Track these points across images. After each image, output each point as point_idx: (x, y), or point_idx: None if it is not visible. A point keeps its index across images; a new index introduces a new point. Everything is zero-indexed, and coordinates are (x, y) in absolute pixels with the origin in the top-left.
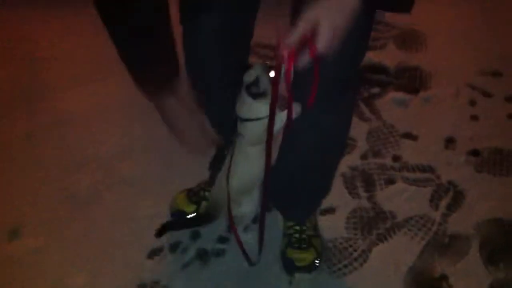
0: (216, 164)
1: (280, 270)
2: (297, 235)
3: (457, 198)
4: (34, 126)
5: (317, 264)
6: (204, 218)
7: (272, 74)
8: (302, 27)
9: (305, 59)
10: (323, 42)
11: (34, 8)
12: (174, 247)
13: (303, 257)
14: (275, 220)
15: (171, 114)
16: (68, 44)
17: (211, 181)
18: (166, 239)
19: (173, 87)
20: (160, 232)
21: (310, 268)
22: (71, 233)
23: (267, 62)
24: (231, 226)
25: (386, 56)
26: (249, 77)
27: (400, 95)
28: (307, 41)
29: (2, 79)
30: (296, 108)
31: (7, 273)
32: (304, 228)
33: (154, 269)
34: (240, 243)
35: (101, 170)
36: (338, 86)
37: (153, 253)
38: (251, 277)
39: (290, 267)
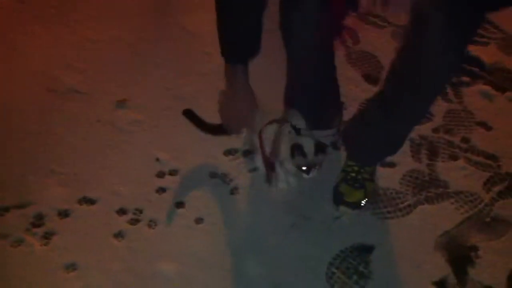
0: None
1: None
2: (353, 174)
3: (510, 189)
4: (162, 36)
5: (363, 204)
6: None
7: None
8: None
9: None
10: None
11: None
12: (247, 153)
13: (352, 194)
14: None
15: (234, 82)
16: None
17: None
18: (241, 144)
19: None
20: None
21: (355, 205)
22: (167, 119)
23: None
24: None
25: (485, 53)
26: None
27: (487, 89)
28: None
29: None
30: None
31: (106, 134)
32: (362, 170)
33: (226, 165)
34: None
35: (202, 82)
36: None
37: (229, 152)
38: (305, 197)
39: (338, 199)
